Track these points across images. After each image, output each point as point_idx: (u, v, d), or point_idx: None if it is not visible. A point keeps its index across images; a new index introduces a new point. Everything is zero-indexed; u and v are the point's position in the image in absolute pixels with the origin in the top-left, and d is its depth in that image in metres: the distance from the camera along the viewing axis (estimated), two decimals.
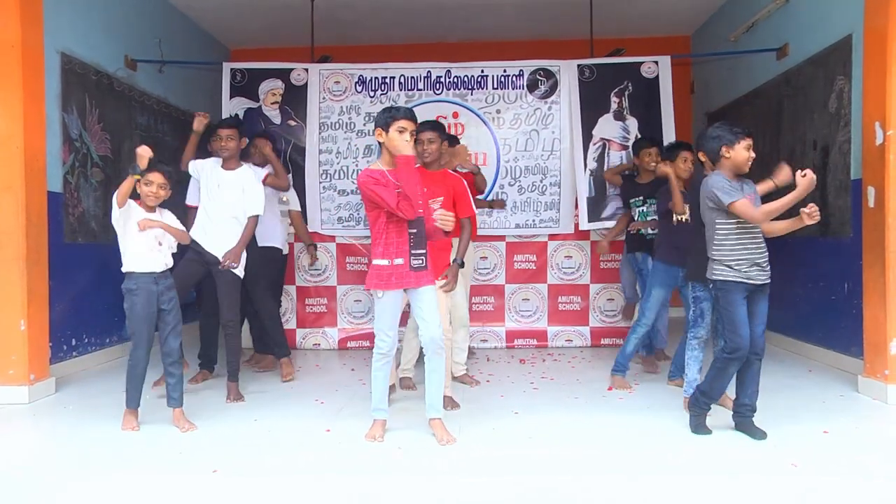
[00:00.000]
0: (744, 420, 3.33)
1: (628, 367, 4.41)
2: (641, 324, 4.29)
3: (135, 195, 3.49)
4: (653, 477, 2.81)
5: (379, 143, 3.27)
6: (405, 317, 3.86)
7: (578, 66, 5.74)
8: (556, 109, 5.78)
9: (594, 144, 5.70)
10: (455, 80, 5.82)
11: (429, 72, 5.82)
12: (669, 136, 5.48)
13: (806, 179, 3.05)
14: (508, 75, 5.81)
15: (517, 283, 5.94)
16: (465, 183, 4.07)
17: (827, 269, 4.95)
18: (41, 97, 4.30)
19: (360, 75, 5.82)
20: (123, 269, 3.47)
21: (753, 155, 3.23)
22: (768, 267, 3.24)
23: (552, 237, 5.89)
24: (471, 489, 2.72)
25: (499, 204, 5.68)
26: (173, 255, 3.64)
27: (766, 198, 3.25)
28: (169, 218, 3.60)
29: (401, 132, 3.17)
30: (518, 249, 5.94)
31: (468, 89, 5.82)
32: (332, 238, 5.92)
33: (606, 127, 5.70)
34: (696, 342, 3.73)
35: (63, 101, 4.86)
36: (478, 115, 5.82)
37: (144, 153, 3.36)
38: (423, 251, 3.28)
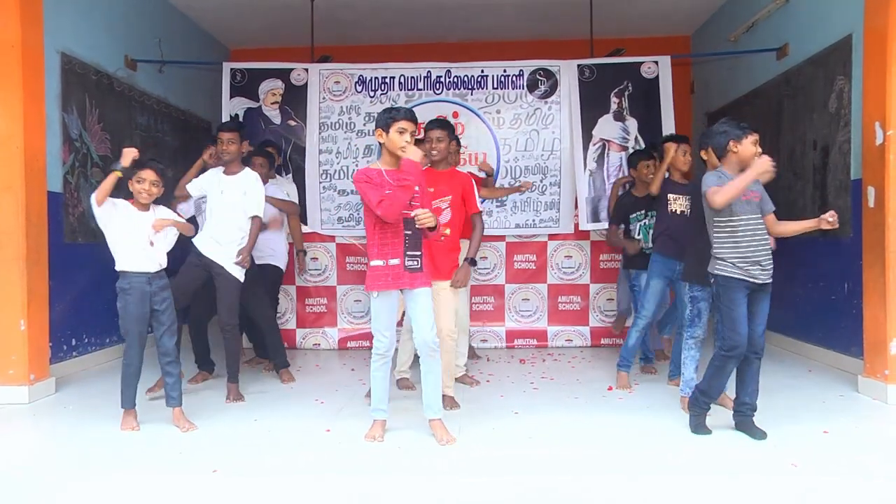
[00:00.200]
0: (744, 419, 3.33)
1: (633, 362, 4.41)
2: (642, 316, 4.29)
3: (129, 195, 3.48)
4: (653, 477, 2.81)
5: (379, 143, 3.29)
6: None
7: (578, 66, 5.74)
8: (556, 109, 5.78)
9: (594, 145, 5.70)
10: (455, 79, 5.82)
11: (429, 72, 5.82)
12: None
13: (761, 160, 3.13)
14: (508, 75, 5.81)
15: (517, 283, 5.94)
16: (474, 182, 4.08)
17: (827, 269, 4.95)
18: (41, 97, 4.30)
19: (360, 75, 5.82)
20: (117, 268, 3.46)
21: (760, 150, 3.24)
22: (770, 266, 3.24)
23: (552, 237, 5.89)
24: (471, 489, 2.72)
25: (526, 185, 5.60)
26: (174, 256, 3.63)
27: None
28: (163, 213, 3.59)
29: (401, 133, 3.18)
30: (518, 249, 5.94)
31: (468, 89, 5.82)
32: (332, 238, 5.92)
33: (606, 127, 5.70)
34: (692, 342, 3.72)
35: (63, 101, 4.86)
36: (478, 115, 5.82)
37: (129, 152, 3.37)
38: (419, 253, 3.27)
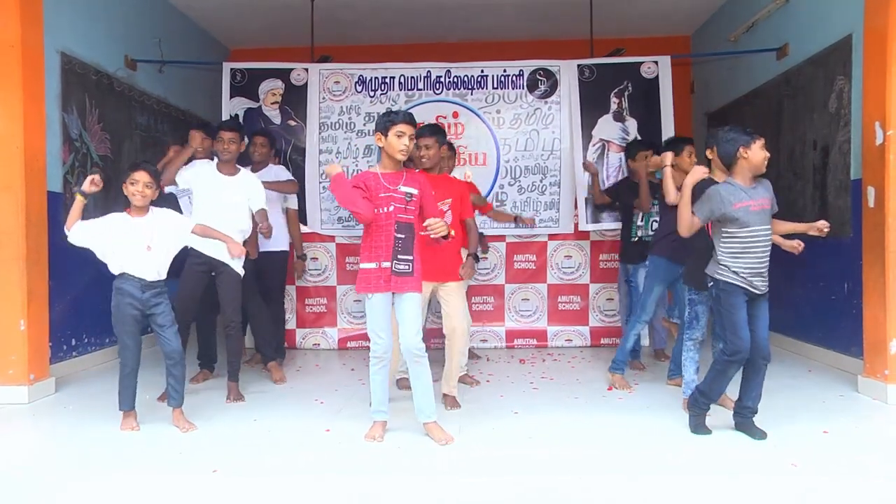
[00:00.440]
0: (744, 420, 3.33)
1: (627, 365, 4.41)
2: (640, 319, 4.29)
3: (127, 204, 3.47)
4: (653, 477, 2.81)
5: (379, 146, 3.29)
6: None
7: (578, 66, 5.75)
8: (556, 109, 5.78)
9: (593, 145, 5.71)
10: (455, 79, 5.82)
11: (429, 72, 5.82)
12: (669, 136, 5.46)
13: (695, 169, 3.43)
14: (508, 75, 5.81)
15: (517, 283, 5.94)
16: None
17: (827, 269, 4.95)
18: (41, 97, 4.30)
19: (360, 75, 5.82)
20: (114, 272, 3.44)
21: (769, 154, 3.25)
22: (767, 276, 3.27)
23: (552, 237, 5.89)
24: (471, 489, 2.72)
25: (528, 221, 5.67)
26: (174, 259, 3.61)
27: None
28: (167, 217, 3.56)
29: (399, 136, 3.19)
30: (518, 249, 5.93)
31: (468, 89, 5.82)
32: (332, 238, 5.92)
33: (606, 128, 5.70)
34: (691, 343, 3.73)
35: (63, 101, 4.85)
36: (478, 115, 5.82)
37: (90, 182, 3.38)
38: (410, 258, 3.25)
